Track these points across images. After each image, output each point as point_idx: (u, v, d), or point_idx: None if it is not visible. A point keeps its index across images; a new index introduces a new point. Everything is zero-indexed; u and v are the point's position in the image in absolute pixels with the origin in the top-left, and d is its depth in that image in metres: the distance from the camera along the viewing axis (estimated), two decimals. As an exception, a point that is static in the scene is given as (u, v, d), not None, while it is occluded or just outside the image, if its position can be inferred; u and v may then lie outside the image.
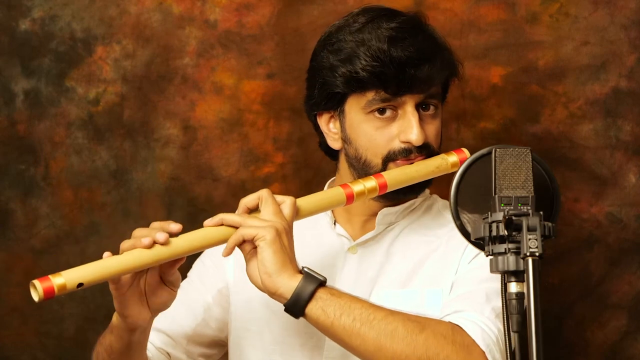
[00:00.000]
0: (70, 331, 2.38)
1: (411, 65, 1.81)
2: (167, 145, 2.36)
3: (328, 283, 1.71)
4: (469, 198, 1.50)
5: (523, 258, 1.36)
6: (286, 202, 1.74)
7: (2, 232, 2.38)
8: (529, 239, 1.36)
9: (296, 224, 1.76)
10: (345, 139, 1.90)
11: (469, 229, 1.48)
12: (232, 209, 1.76)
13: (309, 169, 2.33)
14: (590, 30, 2.26)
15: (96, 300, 2.32)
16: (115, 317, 1.76)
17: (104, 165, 2.37)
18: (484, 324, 1.70)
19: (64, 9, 2.36)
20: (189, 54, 2.35)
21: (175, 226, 1.68)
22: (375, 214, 1.92)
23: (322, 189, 1.94)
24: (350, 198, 1.81)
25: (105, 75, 2.36)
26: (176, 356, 1.93)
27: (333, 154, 1.97)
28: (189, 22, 2.34)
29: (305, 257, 1.79)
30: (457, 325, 1.70)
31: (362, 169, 1.87)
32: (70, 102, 2.36)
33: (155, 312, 1.75)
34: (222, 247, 1.74)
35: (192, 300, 1.95)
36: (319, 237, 1.94)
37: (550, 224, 1.40)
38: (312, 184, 2.24)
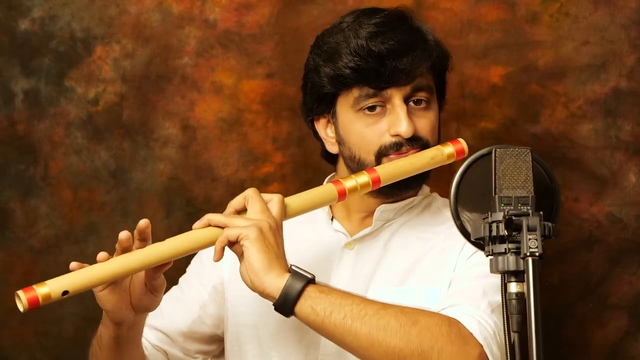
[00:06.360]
0: (69, 331, 2.38)
1: (391, 57, 1.81)
2: (167, 145, 2.36)
3: (324, 279, 1.70)
4: (469, 198, 1.50)
5: (523, 258, 1.36)
6: (274, 199, 1.73)
7: (1, 232, 2.38)
8: (529, 239, 1.36)
9: (293, 220, 1.76)
10: (339, 141, 1.90)
11: (469, 228, 1.48)
12: (231, 209, 1.76)
13: (308, 168, 2.32)
14: (590, 30, 2.25)
15: (95, 301, 2.31)
16: None
17: (103, 165, 2.37)
18: (481, 317, 1.69)
19: (64, 9, 2.36)
20: (188, 54, 2.35)
21: (142, 222, 1.67)
22: (374, 212, 1.92)
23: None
24: (342, 194, 1.79)
25: (104, 75, 2.36)
26: (173, 354, 1.93)
27: (333, 160, 1.97)
28: (188, 21, 2.34)
29: (301, 252, 1.79)
30: (453, 318, 1.68)
31: (357, 169, 1.87)
32: (69, 102, 2.36)
33: (139, 312, 1.74)
34: None
35: (188, 298, 1.95)
36: (315, 233, 1.94)
37: (550, 224, 1.40)
38: (311, 184, 2.21)
